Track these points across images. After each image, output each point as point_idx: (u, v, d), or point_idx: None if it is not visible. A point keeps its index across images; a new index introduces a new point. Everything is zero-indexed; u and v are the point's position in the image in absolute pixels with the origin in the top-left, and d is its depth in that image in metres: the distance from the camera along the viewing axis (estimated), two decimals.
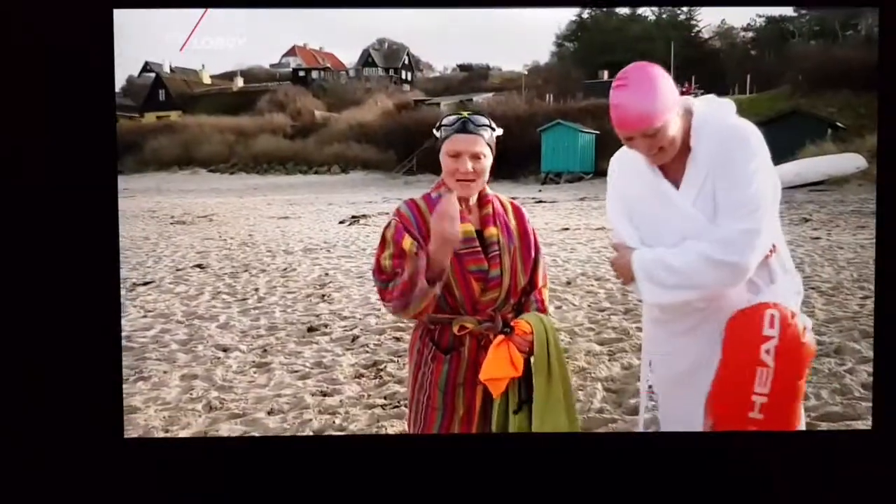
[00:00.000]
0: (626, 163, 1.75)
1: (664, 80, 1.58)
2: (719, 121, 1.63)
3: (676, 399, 1.74)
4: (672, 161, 1.65)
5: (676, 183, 1.65)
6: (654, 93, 1.56)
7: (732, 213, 1.57)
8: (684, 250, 1.61)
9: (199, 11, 2.34)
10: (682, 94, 1.66)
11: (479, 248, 1.74)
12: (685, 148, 1.63)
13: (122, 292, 6.07)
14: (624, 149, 1.73)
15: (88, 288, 2.00)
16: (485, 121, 1.74)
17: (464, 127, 1.71)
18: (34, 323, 1.99)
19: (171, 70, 30.65)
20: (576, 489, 2.07)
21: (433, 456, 2.05)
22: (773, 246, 1.64)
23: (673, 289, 1.62)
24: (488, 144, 1.73)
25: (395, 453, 2.15)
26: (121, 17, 1.96)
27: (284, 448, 2.23)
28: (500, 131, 1.77)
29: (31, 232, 1.98)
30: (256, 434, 2.93)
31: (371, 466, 2.10)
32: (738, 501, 2.06)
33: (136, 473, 2.06)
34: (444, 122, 1.76)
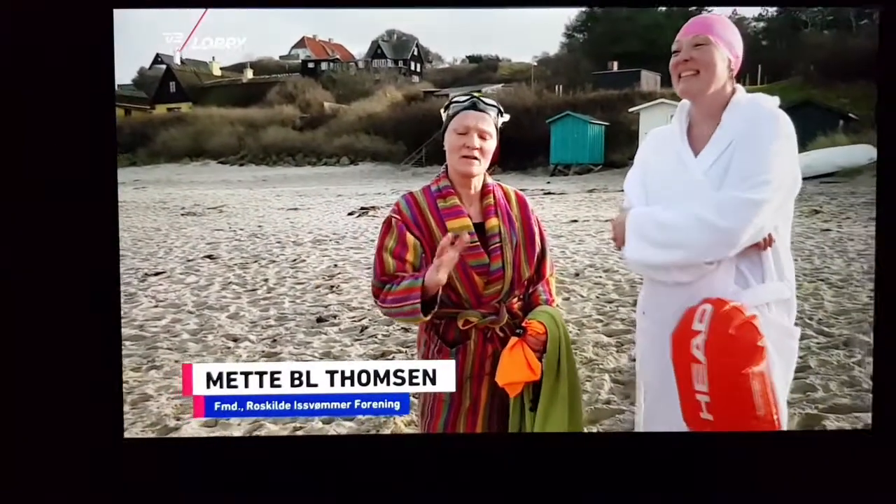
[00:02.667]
0: (660, 134, 1.80)
1: (736, 31, 1.71)
2: (757, 102, 1.66)
3: (667, 399, 1.70)
4: (703, 132, 1.68)
5: (699, 152, 1.67)
6: (726, 24, 1.69)
7: (740, 181, 1.56)
8: (679, 209, 1.60)
9: (199, 12, 2.33)
10: None
11: (478, 243, 1.73)
12: (718, 121, 1.66)
13: (134, 282, 6.09)
14: (662, 127, 1.80)
15: (88, 288, 1.99)
16: (493, 102, 1.77)
17: (474, 105, 1.73)
18: (34, 322, 1.98)
19: (182, 62, 30.71)
20: (573, 487, 2.07)
21: (430, 454, 2.05)
22: (770, 237, 1.61)
23: (659, 246, 1.61)
24: (495, 126, 1.75)
25: (392, 453, 2.16)
26: (121, 17, 1.95)
27: (285, 448, 2.22)
28: (506, 117, 1.79)
29: (32, 233, 1.97)
30: (258, 433, 2.96)
31: (373, 466, 2.10)
32: (738, 501, 2.06)
33: (136, 473, 2.05)
34: (454, 100, 1.77)
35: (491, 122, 1.73)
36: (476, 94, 1.78)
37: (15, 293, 1.97)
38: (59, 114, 1.95)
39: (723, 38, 1.65)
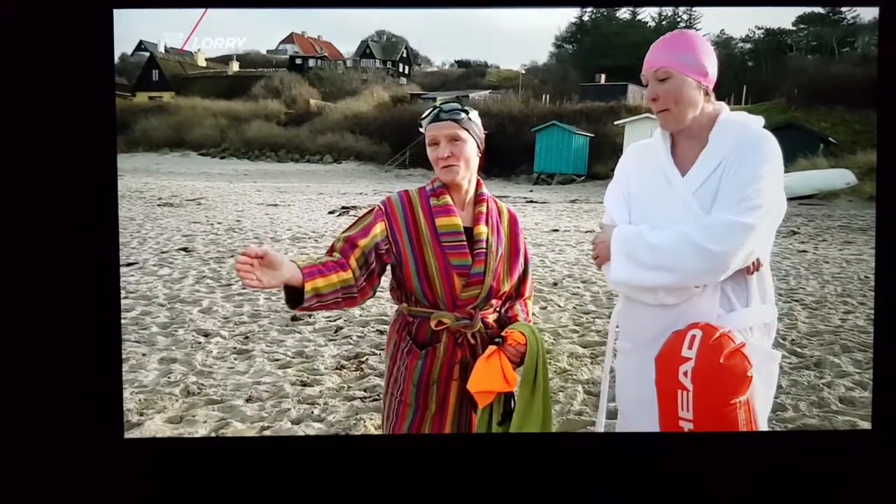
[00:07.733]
0: (641, 149, 1.76)
1: (701, 46, 1.62)
2: (743, 123, 1.63)
3: (643, 421, 1.68)
4: (688, 151, 1.65)
5: (685, 172, 1.64)
6: (686, 45, 1.61)
7: (730, 205, 1.53)
8: (669, 231, 1.57)
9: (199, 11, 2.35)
10: None
11: (465, 244, 1.73)
12: (703, 141, 1.63)
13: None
14: (642, 141, 1.76)
15: (88, 289, 1.98)
16: (455, 106, 1.77)
17: (436, 116, 1.75)
18: (33, 322, 1.97)
19: (167, 50, 30.41)
20: (549, 490, 2.07)
21: (406, 455, 2.04)
22: (758, 262, 1.60)
23: (648, 268, 1.58)
24: (465, 128, 1.74)
25: (383, 452, 2.15)
26: (121, 16, 1.95)
27: (285, 448, 2.21)
28: (474, 113, 1.79)
29: (32, 235, 1.97)
30: (255, 433, 2.90)
31: (377, 467, 2.08)
32: (737, 501, 2.05)
33: (136, 473, 2.05)
34: (422, 116, 1.79)
35: (457, 126, 1.74)
36: (437, 105, 1.78)
37: (15, 293, 1.97)
38: (59, 114, 1.94)
39: (686, 65, 1.59)
